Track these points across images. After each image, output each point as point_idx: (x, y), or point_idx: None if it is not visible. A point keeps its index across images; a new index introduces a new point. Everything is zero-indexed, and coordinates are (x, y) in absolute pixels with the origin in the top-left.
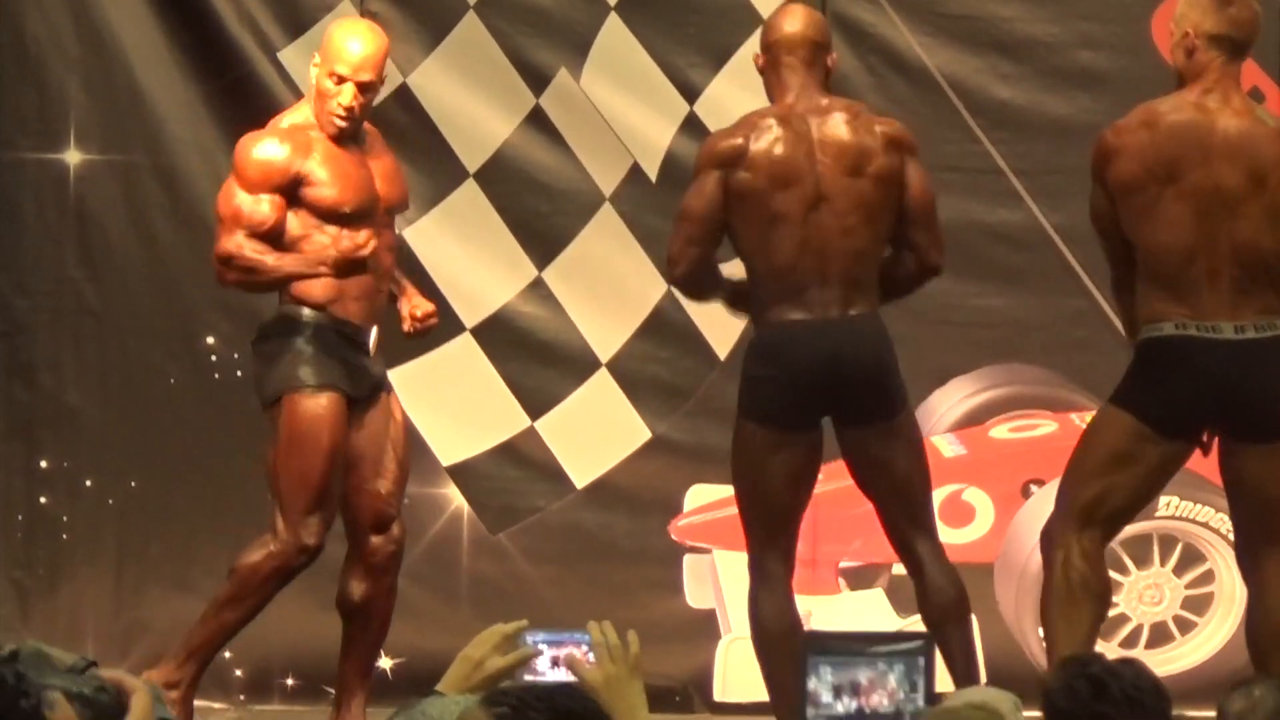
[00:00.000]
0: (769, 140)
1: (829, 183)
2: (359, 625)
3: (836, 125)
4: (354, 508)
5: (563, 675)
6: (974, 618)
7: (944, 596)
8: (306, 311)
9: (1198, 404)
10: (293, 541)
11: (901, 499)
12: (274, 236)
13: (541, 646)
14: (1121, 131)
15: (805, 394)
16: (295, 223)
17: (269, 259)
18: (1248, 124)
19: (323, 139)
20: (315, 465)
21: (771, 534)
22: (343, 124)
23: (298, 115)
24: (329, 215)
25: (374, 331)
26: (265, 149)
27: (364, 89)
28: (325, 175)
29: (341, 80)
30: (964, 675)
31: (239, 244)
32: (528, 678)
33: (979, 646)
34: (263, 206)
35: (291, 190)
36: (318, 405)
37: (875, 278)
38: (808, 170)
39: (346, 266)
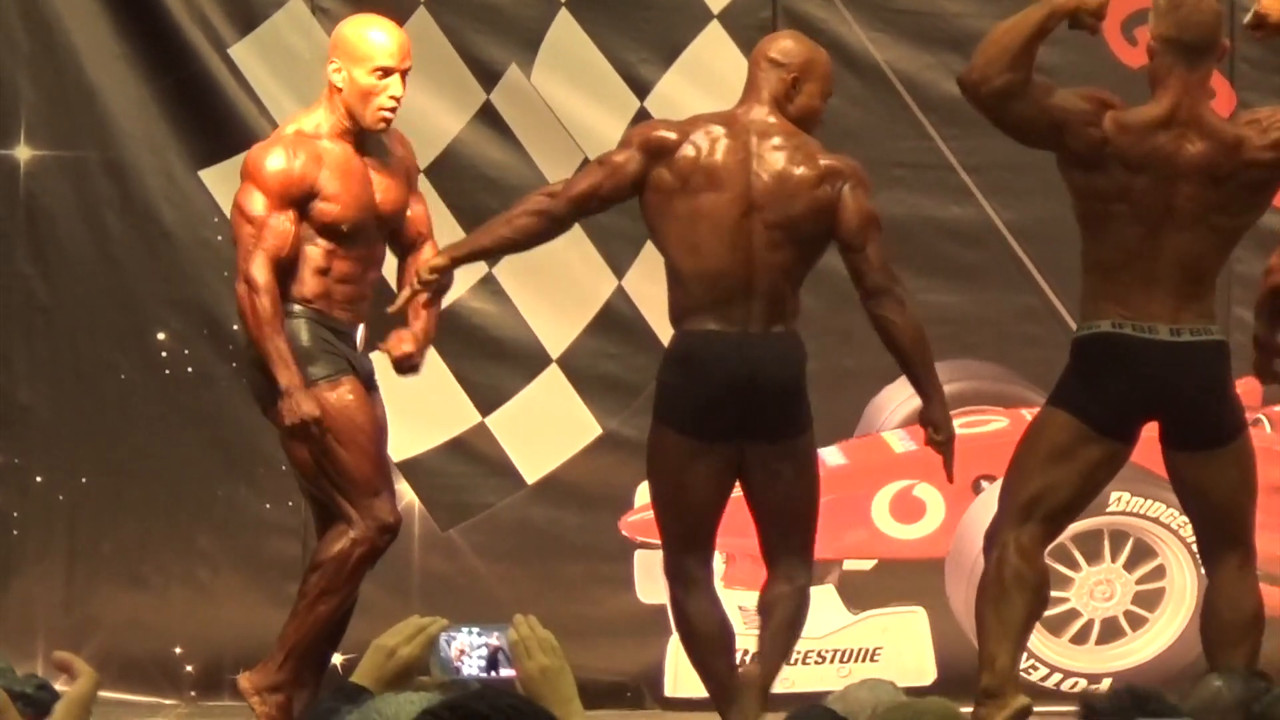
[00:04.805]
0: (706, 142)
1: (760, 193)
2: None
3: (776, 142)
4: None
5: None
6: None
7: (780, 609)
8: (297, 308)
9: (1133, 403)
10: (373, 525)
11: (776, 518)
12: (290, 256)
13: (465, 643)
14: (1123, 128)
15: (721, 408)
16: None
17: (276, 334)
18: (1212, 147)
19: (331, 149)
20: (365, 448)
21: (693, 539)
22: (392, 116)
23: (305, 123)
24: (326, 231)
25: (360, 328)
26: (282, 160)
27: (404, 76)
28: (333, 190)
29: (387, 73)
30: (774, 658)
31: (267, 276)
32: (467, 673)
33: (930, 642)
34: (285, 224)
35: (304, 202)
36: (343, 392)
37: (797, 297)
38: (741, 178)
39: (291, 404)
